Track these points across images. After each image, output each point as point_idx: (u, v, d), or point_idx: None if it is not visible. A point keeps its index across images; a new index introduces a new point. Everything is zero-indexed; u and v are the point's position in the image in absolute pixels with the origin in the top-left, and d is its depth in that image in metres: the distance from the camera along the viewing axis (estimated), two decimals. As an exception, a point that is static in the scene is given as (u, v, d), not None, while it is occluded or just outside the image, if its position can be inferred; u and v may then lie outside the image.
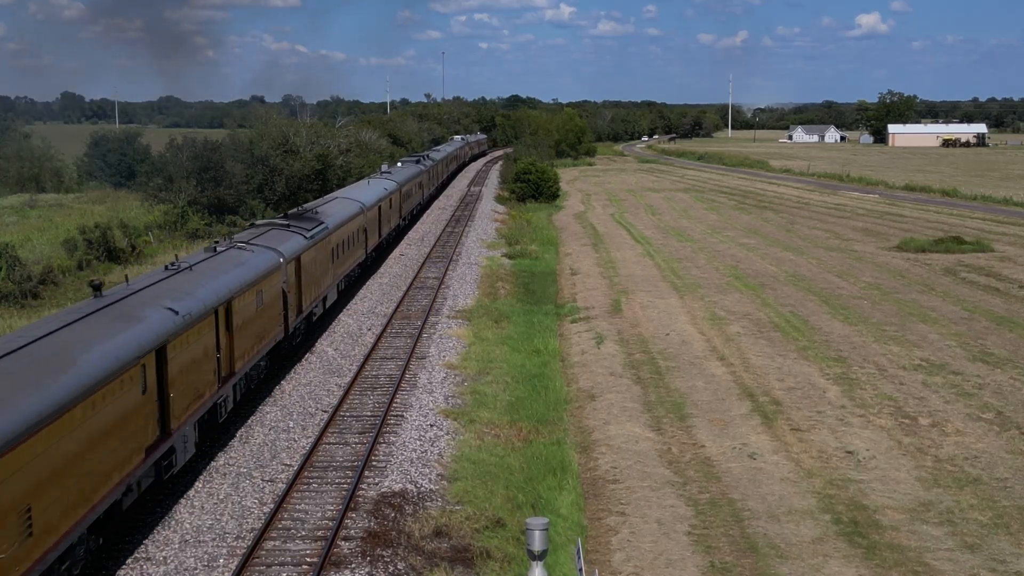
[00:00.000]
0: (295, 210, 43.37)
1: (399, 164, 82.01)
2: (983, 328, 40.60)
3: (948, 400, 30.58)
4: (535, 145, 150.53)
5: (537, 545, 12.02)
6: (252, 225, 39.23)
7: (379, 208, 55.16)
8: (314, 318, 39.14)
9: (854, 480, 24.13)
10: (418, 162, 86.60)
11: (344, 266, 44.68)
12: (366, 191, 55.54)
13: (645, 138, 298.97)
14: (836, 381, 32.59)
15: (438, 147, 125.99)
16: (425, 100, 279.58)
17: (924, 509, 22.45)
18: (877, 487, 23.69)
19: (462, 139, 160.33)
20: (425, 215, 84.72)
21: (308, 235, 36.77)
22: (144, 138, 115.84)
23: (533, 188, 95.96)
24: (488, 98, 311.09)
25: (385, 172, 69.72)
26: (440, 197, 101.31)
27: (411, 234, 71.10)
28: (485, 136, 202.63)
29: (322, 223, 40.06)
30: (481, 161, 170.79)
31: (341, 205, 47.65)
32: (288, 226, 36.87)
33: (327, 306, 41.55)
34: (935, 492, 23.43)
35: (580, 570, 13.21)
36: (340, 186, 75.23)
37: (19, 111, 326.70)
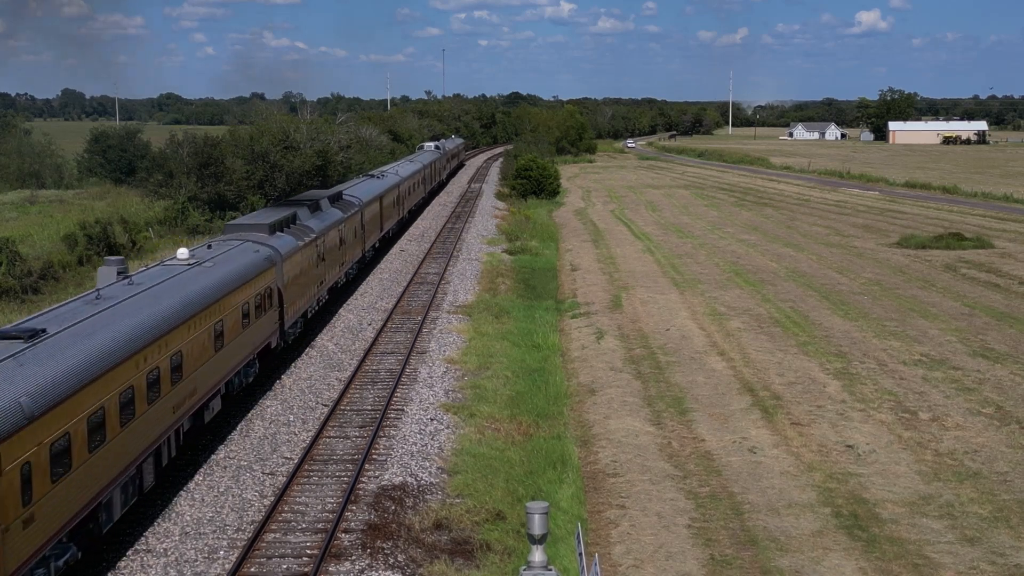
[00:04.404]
0: None
1: (229, 240, 32.49)
2: (983, 324, 40.60)
3: (948, 395, 30.59)
4: (535, 142, 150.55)
5: (537, 529, 12.06)
6: None
7: None
8: None
9: (854, 474, 24.16)
10: (315, 208, 40.50)
11: None
12: None
13: (630, 142, 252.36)
14: (836, 376, 32.61)
15: (390, 166, 77.71)
16: (425, 97, 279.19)
17: (924, 503, 22.48)
18: (877, 481, 23.71)
19: (437, 147, 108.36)
20: (426, 211, 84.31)
21: None
22: (144, 134, 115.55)
23: (534, 185, 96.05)
24: (488, 95, 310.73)
25: (183, 260, 27.69)
26: (441, 194, 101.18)
27: (411, 231, 71.10)
28: (463, 140, 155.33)
29: None
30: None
31: None
32: None
33: None
34: (935, 486, 23.45)
35: (580, 555, 13.23)
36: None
37: (20, 108, 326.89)
